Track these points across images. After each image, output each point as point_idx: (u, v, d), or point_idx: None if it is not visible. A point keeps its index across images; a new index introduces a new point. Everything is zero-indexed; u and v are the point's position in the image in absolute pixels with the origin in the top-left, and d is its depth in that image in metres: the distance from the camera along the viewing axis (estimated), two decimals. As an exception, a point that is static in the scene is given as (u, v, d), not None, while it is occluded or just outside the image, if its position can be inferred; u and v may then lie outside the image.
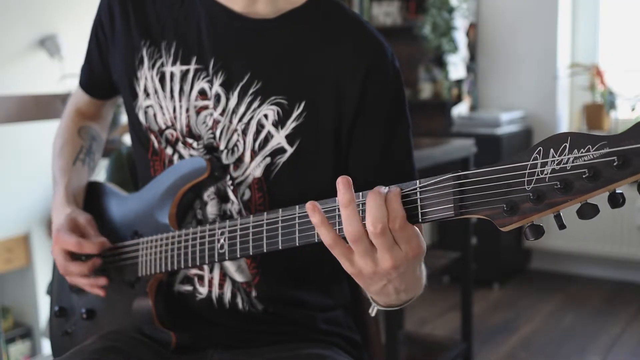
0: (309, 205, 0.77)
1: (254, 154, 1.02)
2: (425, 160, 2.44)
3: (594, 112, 4.03)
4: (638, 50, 4.11)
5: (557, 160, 0.65)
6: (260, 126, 1.01)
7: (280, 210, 0.86)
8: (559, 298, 3.84)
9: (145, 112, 1.09)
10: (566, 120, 4.34)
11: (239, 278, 1.06)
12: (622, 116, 4.06)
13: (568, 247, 4.09)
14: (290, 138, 1.01)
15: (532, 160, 0.66)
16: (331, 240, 0.76)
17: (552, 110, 4.22)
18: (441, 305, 3.75)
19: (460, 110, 4.28)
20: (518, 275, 4.23)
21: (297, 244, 0.84)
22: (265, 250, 0.88)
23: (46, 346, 3.94)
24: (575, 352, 3.11)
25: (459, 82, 4.35)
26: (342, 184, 0.75)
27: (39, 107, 2.17)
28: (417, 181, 0.75)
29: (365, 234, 0.75)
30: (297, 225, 0.85)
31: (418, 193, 0.74)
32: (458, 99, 4.34)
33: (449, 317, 3.52)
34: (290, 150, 1.01)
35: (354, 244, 0.75)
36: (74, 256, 1.05)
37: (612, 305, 3.69)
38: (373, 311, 0.90)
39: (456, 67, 4.24)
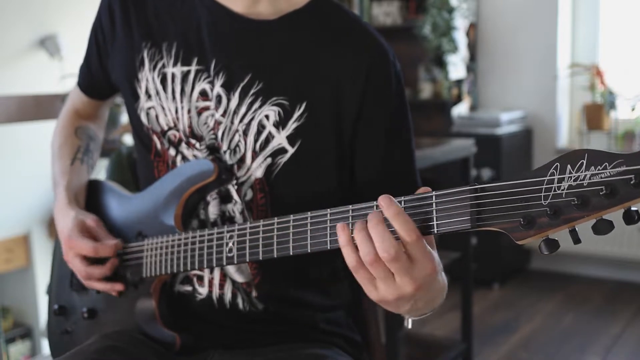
0: (339, 226, 0.77)
1: (255, 155, 1.02)
2: (425, 160, 2.44)
3: (594, 112, 4.03)
4: (638, 50, 4.11)
5: (574, 176, 0.65)
6: (261, 127, 1.01)
7: (291, 215, 0.86)
8: (559, 298, 3.84)
9: (147, 114, 1.09)
10: (566, 120, 4.34)
11: (238, 278, 1.06)
12: (622, 116, 4.06)
13: (568, 247, 4.04)
14: (291, 139, 1.01)
15: (549, 176, 0.67)
16: (355, 262, 0.76)
17: (552, 110, 4.22)
18: (441, 305, 3.75)
19: (460, 110, 4.28)
20: (518, 275, 4.23)
21: (309, 251, 0.84)
22: (275, 256, 0.88)
23: (46, 346, 3.93)
24: (575, 352, 3.11)
25: (459, 82, 4.35)
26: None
27: (39, 107, 2.17)
28: (433, 192, 0.75)
29: (380, 259, 0.74)
30: (309, 231, 0.84)
31: (434, 204, 0.74)
32: (458, 99, 4.34)
33: (449, 317, 3.52)
34: (291, 150, 1.01)
35: (371, 268, 0.75)
36: (90, 260, 1.05)
37: (612, 305, 3.69)
38: (408, 323, 0.89)
39: (456, 67, 4.24)
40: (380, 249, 0.73)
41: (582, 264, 4.18)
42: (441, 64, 4.28)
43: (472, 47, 4.40)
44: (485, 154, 3.68)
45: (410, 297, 0.76)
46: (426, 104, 4.50)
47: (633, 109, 3.96)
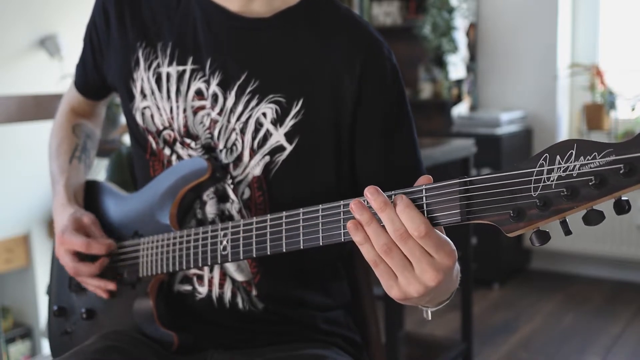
0: (350, 224, 0.75)
1: (252, 153, 1.02)
2: (425, 160, 2.41)
3: (594, 112, 4.03)
4: (638, 50, 4.11)
5: (563, 167, 0.65)
6: (258, 125, 1.01)
7: (284, 212, 0.86)
8: (559, 298, 3.84)
9: (143, 114, 1.09)
10: (566, 120, 4.34)
11: (238, 277, 1.06)
12: (622, 116, 4.06)
13: (568, 247, 4.09)
14: (289, 136, 1.01)
15: (539, 167, 0.66)
16: (374, 256, 0.74)
17: (552, 110, 4.22)
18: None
19: (460, 110, 4.28)
20: (518, 275, 4.23)
21: (302, 247, 0.84)
22: (268, 253, 0.87)
23: (46, 346, 3.93)
24: (575, 352, 3.11)
25: (459, 82, 4.35)
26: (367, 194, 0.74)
27: (39, 107, 2.17)
28: (423, 185, 0.74)
29: (395, 245, 0.73)
30: (301, 227, 0.84)
31: (424, 198, 0.74)
32: (458, 99, 4.34)
33: (449, 317, 3.51)
34: (289, 148, 1.01)
35: (387, 258, 0.73)
36: (81, 257, 1.05)
37: (612, 305, 3.69)
38: (429, 315, 0.88)
39: (456, 67, 4.24)
40: (391, 232, 0.72)
41: (582, 264, 4.18)
42: (441, 64, 4.28)
43: (472, 47, 4.40)
44: (485, 154, 3.68)
45: (432, 290, 0.74)
46: (426, 104, 4.50)
47: (633, 109, 3.96)
